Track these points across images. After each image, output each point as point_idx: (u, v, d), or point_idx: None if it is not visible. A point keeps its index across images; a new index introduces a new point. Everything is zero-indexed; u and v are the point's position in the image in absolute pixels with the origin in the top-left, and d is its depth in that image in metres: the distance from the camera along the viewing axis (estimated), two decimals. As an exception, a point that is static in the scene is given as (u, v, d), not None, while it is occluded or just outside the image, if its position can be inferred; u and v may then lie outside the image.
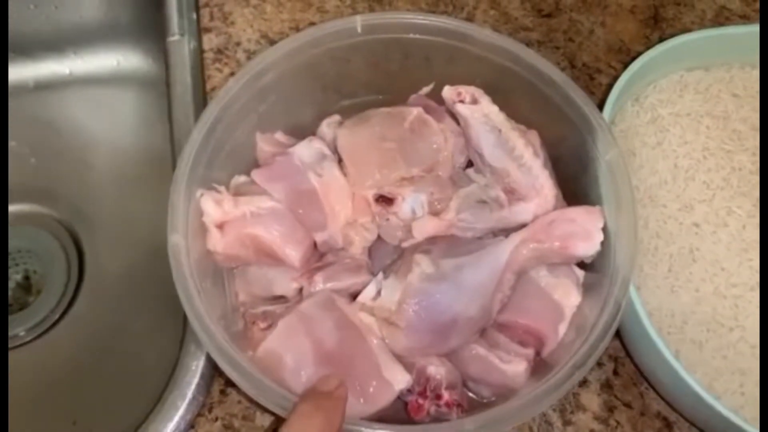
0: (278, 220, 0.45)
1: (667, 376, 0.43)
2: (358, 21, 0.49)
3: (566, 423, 0.50)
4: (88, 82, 0.77)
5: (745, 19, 0.69)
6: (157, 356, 0.56)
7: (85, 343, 0.65)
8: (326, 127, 0.52)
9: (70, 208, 0.71)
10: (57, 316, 0.65)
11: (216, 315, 0.43)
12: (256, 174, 0.47)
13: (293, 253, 0.44)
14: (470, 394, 0.46)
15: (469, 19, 0.69)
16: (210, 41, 0.66)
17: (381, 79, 0.54)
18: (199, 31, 0.66)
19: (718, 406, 0.41)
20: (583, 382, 0.52)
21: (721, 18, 0.69)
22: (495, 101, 0.49)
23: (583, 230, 0.44)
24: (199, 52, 0.65)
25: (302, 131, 0.52)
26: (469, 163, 0.51)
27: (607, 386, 0.52)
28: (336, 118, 0.53)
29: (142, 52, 0.77)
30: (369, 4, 0.69)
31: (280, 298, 0.47)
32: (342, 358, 0.40)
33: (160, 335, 0.59)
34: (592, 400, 0.51)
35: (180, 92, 0.62)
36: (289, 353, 0.40)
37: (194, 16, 0.67)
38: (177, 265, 0.40)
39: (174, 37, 0.65)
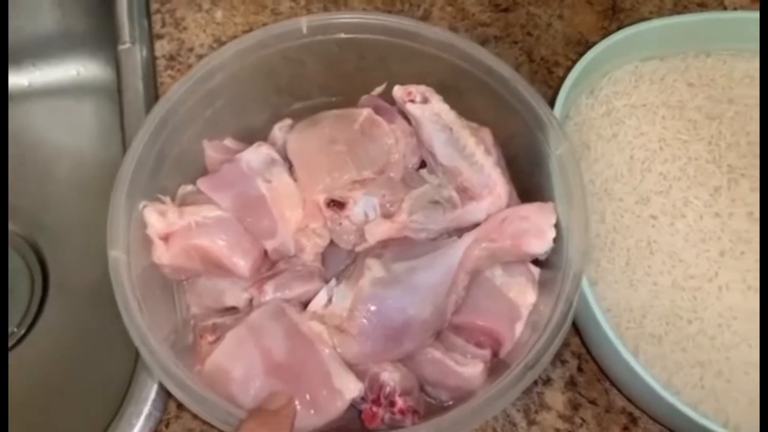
0: (225, 229, 0.43)
1: (625, 373, 0.42)
2: (304, 22, 0.49)
3: (531, 423, 0.50)
4: (47, 93, 0.76)
5: (703, 7, 0.68)
6: (119, 370, 0.55)
7: (50, 358, 0.64)
8: (278, 131, 0.51)
9: (32, 222, 0.70)
10: (22, 332, 0.64)
11: (166, 329, 0.43)
12: (201, 182, 0.46)
13: (241, 263, 0.43)
14: (429, 399, 0.45)
15: (425, 17, 0.68)
16: (162, 48, 0.65)
17: (336, 81, 0.54)
18: (151, 37, 0.65)
19: (677, 403, 0.40)
20: (547, 381, 0.51)
21: (680, 7, 0.69)
22: (447, 100, 0.48)
23: (535, 227, 0.44)
24: (151, 59, 0.64)
25: (254, 136, 0.51)
26: (423, 164, 0.50)
27: (571, 384, 0.51)
28: (288, 122, 0.52)
29: (101, 61, 0.76)
30: (324, 5, 0.68)
31: (232, 310, 0.46)
32: (291, 369, 0.39)
33: (122, 349, 0.58)
34: (557, 398, 0.50)
35: (132, 100, 0.61)
36: (237, 366, 0.39)
37: (146, 22, 0.66)
38: (117, 281, 0.39)
39: (125, 45, 0.64)
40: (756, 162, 0.50)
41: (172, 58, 0.64)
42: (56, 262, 0.68)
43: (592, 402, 0.50)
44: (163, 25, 0.66)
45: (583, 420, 0.50)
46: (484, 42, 0.67)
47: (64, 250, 0.69)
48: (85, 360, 0.63)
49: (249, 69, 0.49)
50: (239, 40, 0.47)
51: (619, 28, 0.56)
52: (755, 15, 0.56)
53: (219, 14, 0.67)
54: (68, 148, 0.75)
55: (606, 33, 0.67)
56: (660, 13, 0.69)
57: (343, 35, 0.49)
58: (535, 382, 0.51)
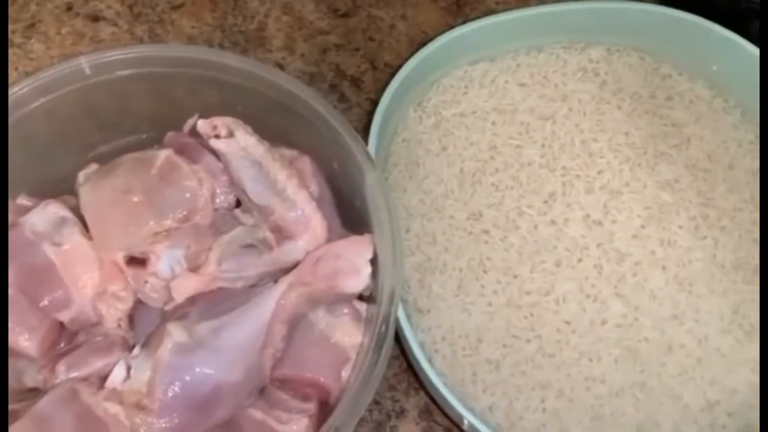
0: (4, 308, 0.39)
1: (448, 408, 0.40)
2: (84, 62, 0.44)
3: (385, 461, 0.47)
4: None
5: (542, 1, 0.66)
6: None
7: None
8: (82, 180, 0.47)
9: None
10: None
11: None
12: (-21, 256, 0.41)
13: (28, 344, 0.39)
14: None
15: (261, 28, 0.64)
16: (-34, 92, 0.58)
17: (157, 115, 0.49)
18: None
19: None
20: (401, 412, 0.49)
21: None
22: (260, 130, 0.45)
23: (349, 265, 0.41)
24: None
25: (57, 186, 0.47)
26: (239, 202, 0.46)
27: (426, 412, 0.48)
28: (93, 167, 0.47)
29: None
30: (149, 27, 0.63)
31: (35, 391, 0.41)
32: (83, 461, 0.35)
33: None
34: (411, 430, 0.48)
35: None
36: (20, 466, 0.35)
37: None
38: None
39: None
40: (590, 161, 0.49)
41: (-21, 101, 0.58)
42: None
43: (448, 430, 0.48)
44: (-35, 65, 0.59)
45: (440, 450, 0.47)
46: (324, 51, 0.63)
47: None
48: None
49: (38, 115, 0.45)
50: (13, 89, 0.43)
51: (465, 22, 0.53)
52: (587, 6, 0.54)
53: (33, 48, 0.61)
54: None
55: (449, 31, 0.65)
56: (507, 3, 0.66)
57: (133, 71, 0.45)
58: (388, 416, 0.49)
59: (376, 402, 0.49)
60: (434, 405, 0.49)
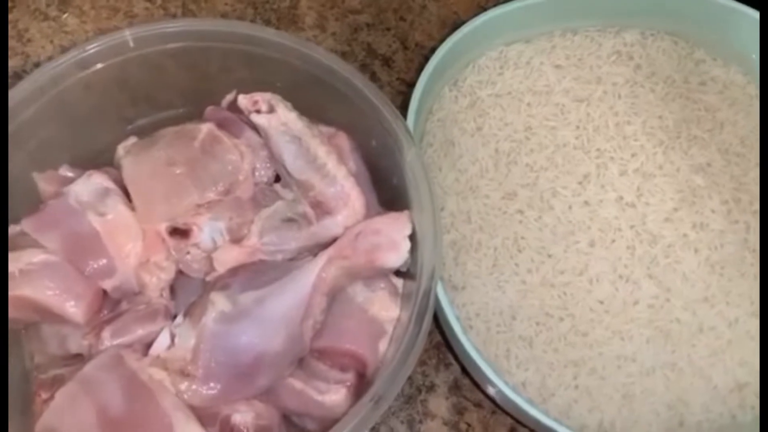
0: (51, 274, 0.40)
1: (484, 381, 0.41)
2: (128, 35, 0.44)
3: (415, 434, 0.48)
4: None
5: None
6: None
7: None
8: (122, 152, 0.47)
9: None
10: None
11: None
12: (26, 223, 0.42)
13: (74, 310, 0.40)
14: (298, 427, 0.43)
15: (293, 6, 0.64)
16: (3, 64, 0.59)
17: (185, 90, 0.50)
18: (-10, 54, 0.59)
19: (540, 416, 0.39)
20: (431, 387, 0.50)
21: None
22: (299, 105, 0.45)
23: (388, 240, 0.41)
24: (-9, 78, 0.58)
25: (97, 158, 0.47)
26: (279, 177, 0.47)
27: (455, 387, 0.49)
28: (132, 140, 0.48)
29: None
30: (183, 3, 0.63)
31: (79, 356, 0.42)
32: (131, 425, 0.36)
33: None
34: (441, 404, 0.49)
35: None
36: (69, 428, 0.36)
37: (-18, 36, 0.60)
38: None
39: (-42, 64, 0.58)
40: (624, 144, 0.49)
41: (16, 75, 0.59)
42: None
43: (477, 405, 0.49)
44: (3, 38, 0.60)
45: (469, 425, 0.48)
46: (356, 30, 0.63)
47: None
48: None
49: (78, 88, 0.45)
50: (53, 64, 0.43)
51: (497, 5, 0.53)
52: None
53: (68, 22, 0.62)
54: None
55: (483, 12, 0.65)
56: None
57: (174, 45, 0.45)
58: (419, 390, 0.49)
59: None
60: (464, 380, 0.49)
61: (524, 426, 0.47)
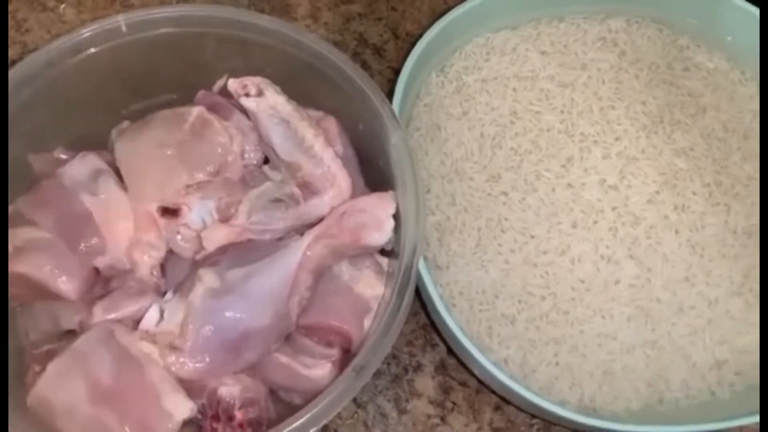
0: (45, 252, 0.41)
1: (468, 359, 0.41)
2: (122, 20, 0.46)
3: (402, 412, 0.49)
4: None
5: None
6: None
7: None
8: (115, 136, 0.48)
9: None
10: None
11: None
12: (21, 202, 0.43)
13: (67, 287, 0.41)
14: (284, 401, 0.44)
15: (286, -4, 0.65)
16: (1, 53, 0.60)
17: (179, 75, 0.51)
18: (-13, 42, 0.61)
19: (524, 392, 0.40)
20: (417, 367, 0.51)
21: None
22: (288, 90, 0.46)
23: (373, 219, 0.42)
24: (-12, 67, 0.59)
25: (91, 142, 0.48)
26: (267, 159, 0.48)
27: (441, 367, 0.50)
28: (126, 124, 0.49)
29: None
30: (179, -11, 0.64)
31: (71, 333, 0.43)
32: (119, 395, 0.38)
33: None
34: (427, 384, 0.50)
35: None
36: (61, 398, 0.37)
37: (-19, 25, 0.61)
38: None
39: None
40: (607, 128, 0.50)
41: (15, 64, 0.60)
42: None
43: (463, 384, 0.50)
44: (1, 27, 0.61)
45: (454, 403, 0.49)
46: (348, 20, 0.64)
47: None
48: None
49: (72, 72, 0.46)
50: (46, 48, 0.44)
51: None
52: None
53: (66, 12, 0.63)
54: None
55: (474, 1, 0.66)
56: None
57: (167, 30, 0.47)
58: (405, 370, 0.50)
59: (393, 356, 0.51)
60: (449, 360, 0.50)
61: (509, 403, 0.49)
